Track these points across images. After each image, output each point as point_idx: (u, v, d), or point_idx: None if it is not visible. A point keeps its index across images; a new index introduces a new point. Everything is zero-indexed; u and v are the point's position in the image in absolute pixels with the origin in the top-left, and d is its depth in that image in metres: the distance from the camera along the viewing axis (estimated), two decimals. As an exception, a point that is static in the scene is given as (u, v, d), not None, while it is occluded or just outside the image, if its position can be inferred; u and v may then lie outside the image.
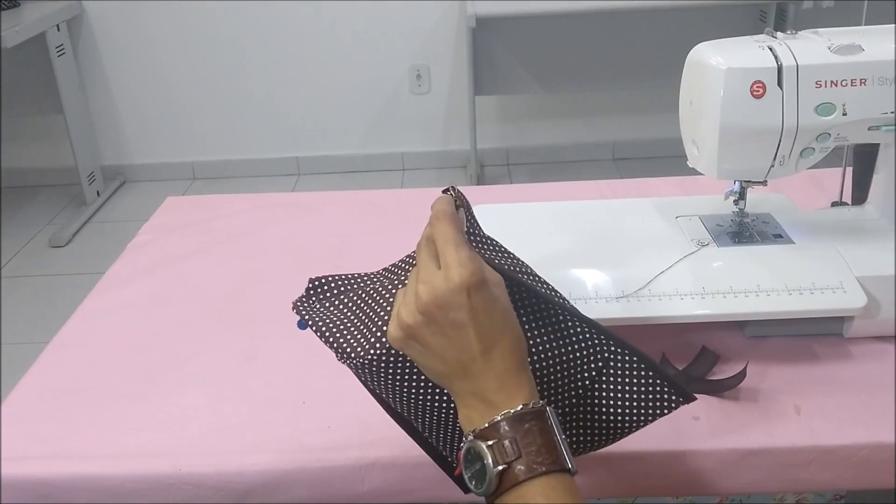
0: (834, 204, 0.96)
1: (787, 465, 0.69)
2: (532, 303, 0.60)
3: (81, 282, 2.45)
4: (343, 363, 0.59)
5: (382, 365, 0.57)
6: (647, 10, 2.81)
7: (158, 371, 0.82)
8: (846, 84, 0.72)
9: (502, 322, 0.53)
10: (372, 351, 0.57)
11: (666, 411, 0.61)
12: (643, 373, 0.60)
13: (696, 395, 0.61)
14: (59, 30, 2.76)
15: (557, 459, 0.49)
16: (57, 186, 3.19)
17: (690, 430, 0.71)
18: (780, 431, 0.70)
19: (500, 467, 0.49)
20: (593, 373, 0.61)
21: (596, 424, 0.63)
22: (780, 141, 0.74)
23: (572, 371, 0.60)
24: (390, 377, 0.58)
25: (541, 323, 0.60)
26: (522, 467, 0.48)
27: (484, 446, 0.50)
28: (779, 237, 0.84)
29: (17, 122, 3.13)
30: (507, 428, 0.50)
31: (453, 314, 0.51)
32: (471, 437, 0.51)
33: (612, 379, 0.61)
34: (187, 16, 2.97)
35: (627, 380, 0.61)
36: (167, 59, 3.05)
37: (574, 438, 0.63)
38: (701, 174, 0.81)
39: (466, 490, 0.66)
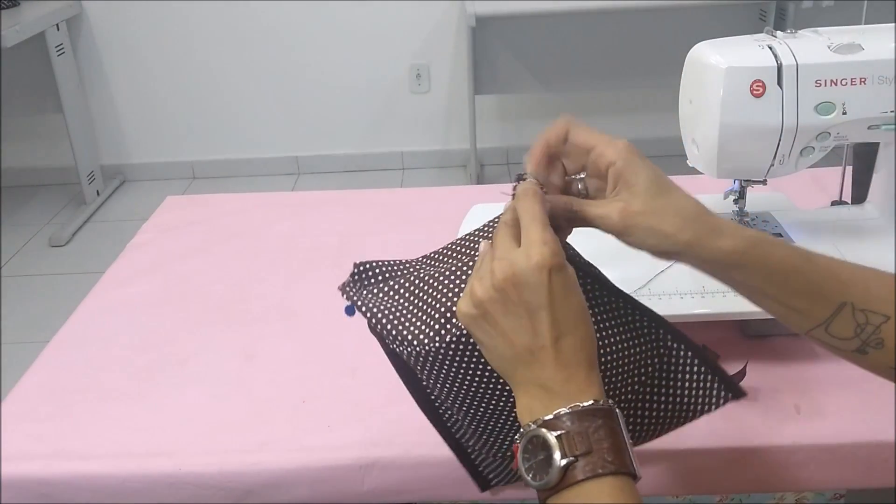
0: (834, 203, 0.96)
1: (787, 464, 0.69)
2: (600, 295, 0.58)
3: (81, 281, 2.45)
4: (399, 350, 0.57)
5: (450, 353, 0.55)
6: (647, 10, 2.81)
7: (158, 370, 0.82)
8: (846, 83, 0.72)
9: (578, 313, 0.50)
10: (438, 339, 0.54)
11: (714, 407, 0.60)
12: (696, 368, 0.59)
13: (745, 392, 0.60)
14: (58, 29, 2.76)
15: (625, 462, 0.47)
16: (57, 186, 3.19)
17: (690, 429, 0.71)
18: (779, 430, 0.70)
19: (568, 460, 0.46)
20: (649, 368, 0.60)
21: (644, 418, 0.61)
22: (779, 140, 0.74)
23: (633, 367, 0.59)
24: (453, 368, 0.56)
25: (608, 316, 0.58)
26: (590, 464, 0.46)
27: (552, 436, 0.47)
28: (779, 236, 0.84)
29: (17, 122, 3.13)
30: (573, 422, 0.47)
31: (529, 294, 0.49)
32: (533, 427, 0.48)
33: (666, 374, 0.60)
34: (187, 15, 2.97)
35: (680, 375, 0.60)
36: (167, 58, 3.05)
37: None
38: (701, 173, 0.81)
39: (485, 487, 0.65)
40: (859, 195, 0.91)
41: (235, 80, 3.09)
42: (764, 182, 0.80)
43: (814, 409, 0.72)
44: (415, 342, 0.55)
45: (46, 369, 0.84)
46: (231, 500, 0.70)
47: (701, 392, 0.60)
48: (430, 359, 0.56)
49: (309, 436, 0.72)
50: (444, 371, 0.56)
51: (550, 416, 0.48)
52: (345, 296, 0.61)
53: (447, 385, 0.57)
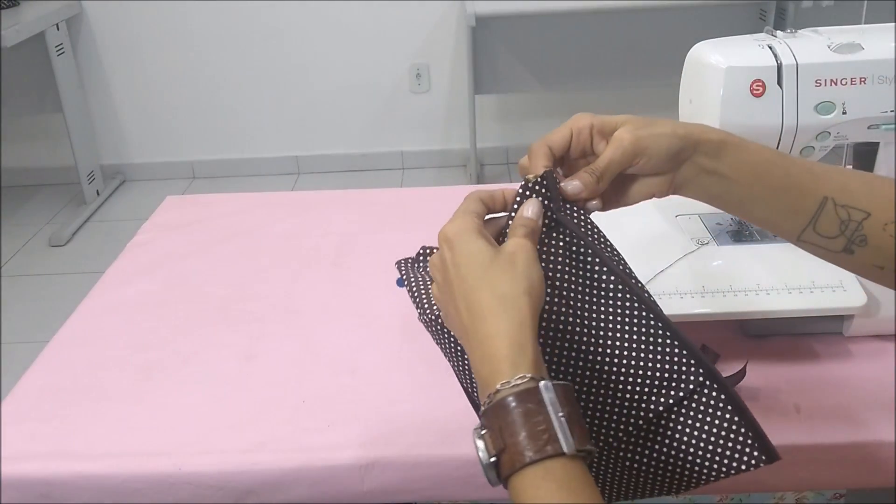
0: (834, 203, 0.96)
1: (787, 464, 0.69)
2: (617, 300, 0.54)
3: (81, 281, 2.45)
4: (419, 320, 0.64)
5: (440, 325, 0.60)
6: (647, 9, 2.81)
7: (158, 370, 0.82)
8: (846, 83, 0.72)
9: (484, 277, 0.50)
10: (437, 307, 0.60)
11: (743, 468, 0.50)
12: (727, 416, 0.50)
13: (779, 456, 0.51)
14: (58, 29, 2.76)
15: (547, 442, 0.44)
16: (56, 185, 3.19)
17: (690, 428, 0.71)
18: (779, 430, 0.70)
19: (492, 459, 0.45)
20: (670, 401, 0.52)
21: (651, 466, 0.53)
22: (779, 140, 0.74)
23: (646, 392, 0.52)
24: (453, 340, 0.59)
25: (625, 328, 0.53)
26: (508, 459, 0.45)
27: (477, 436, 0.47)
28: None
29: (17, 122, 3.13)
30: (492, 415, 0.46)
31: (440, 271, 0.54)
32: (475, 427, 0.48)
33: (688, 413, 0.51)
34: (187, 15, 2.97)
35: (708, 419, 0.51)
36: (167, 57, 3.05)
37: (619, 479, 0.56)
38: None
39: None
40: (859, 195, 0.91)
41: (235, 79, 3.09)
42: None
43: (814, 409, 0.72)
44: (428, 309, 0.62)
45: (46, 369, 0.84)
46: (231, 499, 0.70)
47: (728, 445, 0.50)
48: (435, 327, 0.61)
49: (309, 436, 0.72)
50: (446, 342, 0.61)
51: (483, 409, 0.47)
52: (396, 266, 0.70)
53: (452, 358, 0.61)
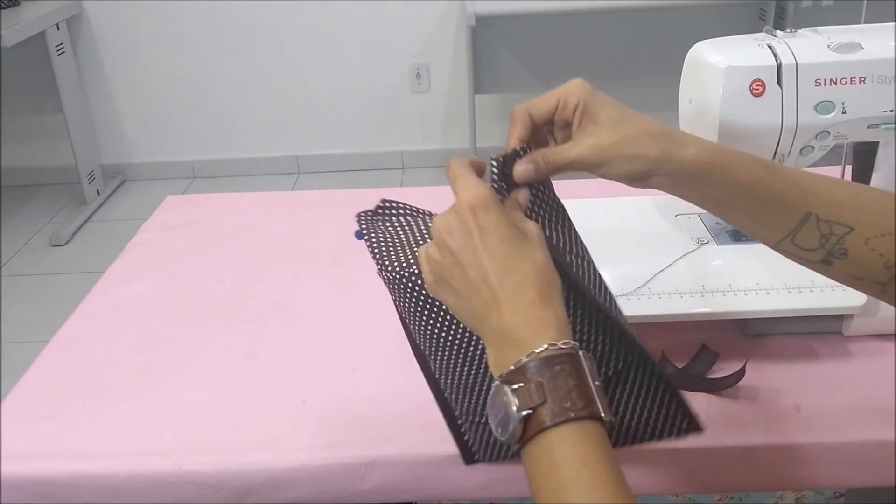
0: (833, 202, 0.96)
1: (787, 463, 0.69)
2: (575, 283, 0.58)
3: (81, 281, 2.45)
4: (379, 275, 0.61)
5: (410, 285, 0.58)
6: (647, 9, 2.81)
7: (158, 370, 0.83)
8: (846, 82, 0.72)
9: (519, 246, 0.51)
10: (407, 267, 0.58)
11: (669, 433, 0.60)
12: (656, 391, 0.60)
13: (703, 428, 0.60)
14: (58, 28, 2.76)
15: (588, 405, 0.46)
16: (57, 185, 3.19)
17: (690, 428, 0.71)
18: (779, 429, 0.70)
19: (525, 412, 0.46)
20: (609, 372, 0.60)
21: None
22: (779, 139, 0.74)
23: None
24: (420, 302, 0.58)
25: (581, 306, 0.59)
26: (548, 413, 0.46)
27: (508, 390, 0.47)
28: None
29: (17, 121, 3.13)
30: (534, 370, 0.47)
31: (463, 239, 0.51)
32: (497, 382, 0.49)
33: (625, 385, 0.60)
34: (187, 15, 2.97)
35: (642, 390, 0.60)
36: (167, 57, 3.05)
37: None
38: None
39: (469, 461, 0.65)
40: (859, 194, 0.91)
41: (235, 79, 3.09)
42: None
43: (814, 408, 0.72)
44: (390, 267, 0.59)
45: (46, 369, 0.84)
46: (231, 499, 0.70)
47: (660, 414, 0.60)
48: (397, 287, 0.59)
49: (309, 435, 0.72)
50: (412, 305, 0.59)
51: (512, 368, 0.48)
52: (357, 219, 0.66)
53: (417, 323, 0.60)
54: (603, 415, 0.46)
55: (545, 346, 0.48)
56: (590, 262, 0.62)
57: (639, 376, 0.60)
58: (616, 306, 0.61)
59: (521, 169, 0.58)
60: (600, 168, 0.57)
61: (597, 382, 0.48)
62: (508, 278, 0.50)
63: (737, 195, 0.57)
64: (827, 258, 0.56)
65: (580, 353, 0.48)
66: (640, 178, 0.57)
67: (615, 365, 0.60)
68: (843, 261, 0.56)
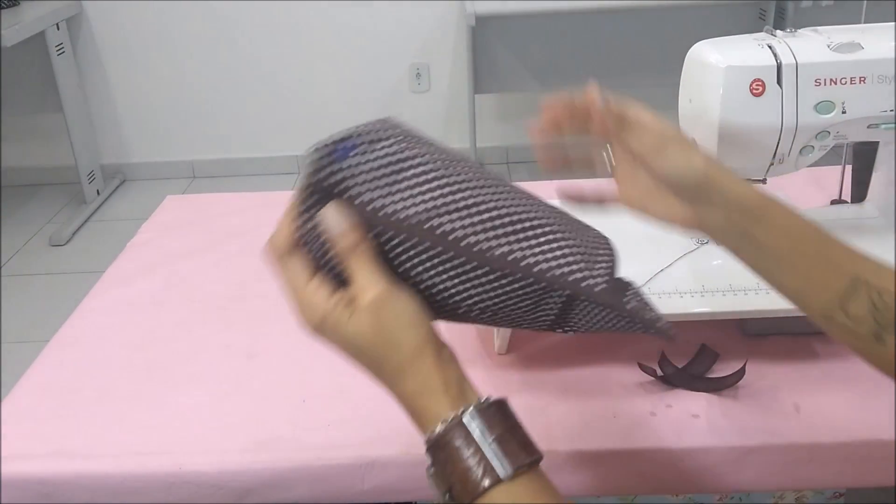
0: (833, 202, 0.96)
1: (787, 463, 0.69)
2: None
3: (81, 280, 2.45)
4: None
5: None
6: (647, 9, 2.81)
7: (158, 369, 0.83)
8: (845, 82, 0.72)
9: (368, 349, 0.49)
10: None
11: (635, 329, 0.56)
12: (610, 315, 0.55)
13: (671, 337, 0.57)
14: (58, 28, 2.76)
15: (482, 478, 0.45)
16: (57, 185, 3.19)
17: (690, 427, 0.71)
18: (779, 429, 0.70)
19: (446, 496, 0.46)
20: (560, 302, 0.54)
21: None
22: (779, 139, 0.74)
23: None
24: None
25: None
26: (458, 493, 0.46)
27: (427, 475, 0.48)
28: (778, 235, 0.84)
29: (17, 121, 3.13)
30: (431, 458, 0.48)
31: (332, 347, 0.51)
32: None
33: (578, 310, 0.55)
34: (187, 14, 2.97)
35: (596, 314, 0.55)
36: (167, 57, 3.05)
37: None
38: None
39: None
40: (859, 194, 0.91)
41: (235, 79, 3.09)
42: (763, 181, 0.80)
43: (814, 408, 0.72)
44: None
45: (46, 369, 0.84)
46: (231, 499, 0.70)
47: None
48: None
49: (309, 435, 0.72)
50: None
51: (426, 450, 0.48)
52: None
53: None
54: (501, 475, 0.45)
55: (431, 430, 0.47)
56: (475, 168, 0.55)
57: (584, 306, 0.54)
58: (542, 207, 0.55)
59: (592, 94, 0.57)
60: (658, 154, 0.55)
61: (491, 440, 0.46)
62: (381, 375, 0.50)
63: (790, 245, 0.54)
64: (878, 332, 0.52)
65: (464, 418, 0.46)
66: (686, 188, 0.55)
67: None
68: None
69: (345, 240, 0.49)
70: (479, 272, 0.51)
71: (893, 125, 0.74)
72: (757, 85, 0.72)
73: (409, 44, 3.03)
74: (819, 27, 0.77)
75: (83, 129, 2.97)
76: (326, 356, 0.85)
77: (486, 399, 0.48)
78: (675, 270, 0.79)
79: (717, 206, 0.55)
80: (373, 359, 0.50)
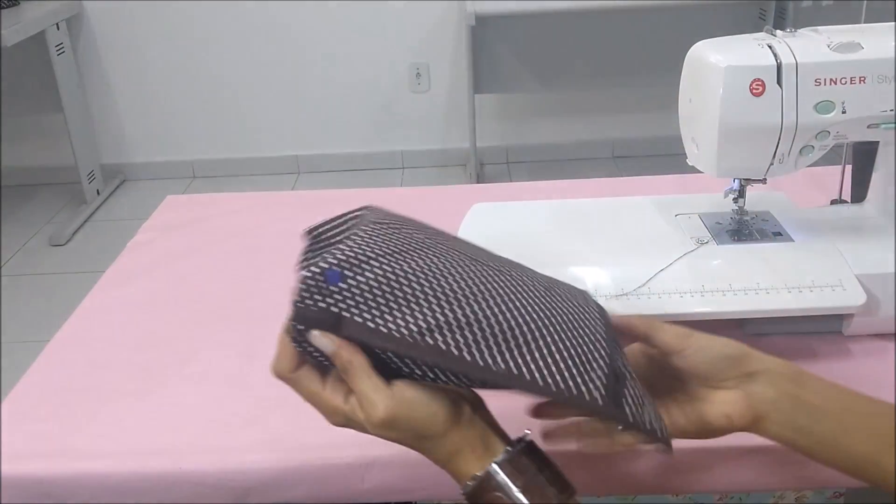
0: (833, 202, 0.96)
1: (787, 463, 0.69)
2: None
3: (81, 280, 2.45)
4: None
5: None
6: (647, 9, 2.81)
7: (159, 369, 0.83)
8: (845, 82, 0.72)
9: (396, 440, 0.54)
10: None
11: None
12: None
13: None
14: (58, 28, 2.76)
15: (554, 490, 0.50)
16: (57, 185, 3.19)
17: (690, 427, 0.71)
18: (779, 429, 0.70)
19: None
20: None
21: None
22: (779, 139, 0.74)
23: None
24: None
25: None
26: None
27: None
28: (778, 235, 0.84)
29: (17, 121, 3.13)
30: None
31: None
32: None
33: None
34: (187, 14, 2.97)
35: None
36: (167, 57, 3.05)
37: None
38: (700, 172, 0.81)
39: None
40: (859, 194, 0.91)
41: (235, 79, 3.09)
42: (763, 181, 0.80)
43: (813, 407, 0.72)
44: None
45: (46, 369, 0.84)
46: (231, 499, 0.70)
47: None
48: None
49: (309, 435, 0.72)
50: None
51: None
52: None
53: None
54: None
55: (464, 485, 0.52)
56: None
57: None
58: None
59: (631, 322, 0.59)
60: (686, 345, 0.57)
61: (516, 489, 0.50)
62: (412, 447, 0.54)
63: (842, 404, 0.53)
64: None
65: (490, 469, 0.50)
66: (733, 369, 0.56)
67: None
68: None
69: (338, 359, 0.51)
70: (479, 382, 0.53)
71: (893, 125, 0.74)
72: (757, 85, 0.72)
73: (409, 43, 3.03)
74: (819, 27, 0.77)
75: (83, 128, 2.97)
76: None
77: (512, 449, 0.51)
78: (675, 271, 0.79)
79: (762, 379, 0.55)
80: (402, 443, 0.54)
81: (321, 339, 0.52)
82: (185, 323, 0.90)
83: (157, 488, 0.70)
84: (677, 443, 0.69)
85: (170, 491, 0.70)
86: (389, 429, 0.51)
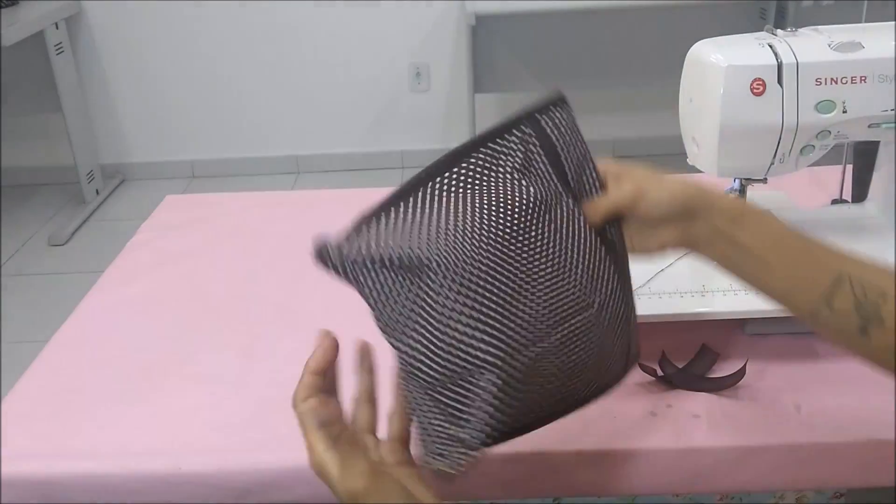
0: (834, 201, 0.96)
1: (787, 463, 0.69)
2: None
3: (81, 280, 2.44)
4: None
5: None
6: (647, 9, 2.81)
7: (158, 369, 0.82)
8: (846, 81, 0.72)
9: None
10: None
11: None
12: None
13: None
14: (57, 28, 2.76)
15: None
16: (56, 185, 3.19)
17: (690, 427, 0.71)
18: (779, 429, 0.70)
19: None
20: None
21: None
22: (780, 138, 0.74)
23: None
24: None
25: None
26: None
27: None
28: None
29: (16, 121, 3.13)
30: None
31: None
32: None
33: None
34: (186, 14, 2.96)
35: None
36: (166, 57, 3.05)
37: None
38: (701, 172, 0.81)
39: None
40: (859, 194, 0.91)
41: (235, 78, 3.09)
42: (764, 181, 0.80)
43: (814, 408, 0.72)
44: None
45: (46, 369, 0.84)
46: (231, 499, 0.70)
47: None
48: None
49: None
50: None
51: None
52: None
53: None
54: None
55: None
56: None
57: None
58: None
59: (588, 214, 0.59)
60: (641, 200, 0.58)
61: None
62: None
63: (773, 245, 0.56)
64: (863, 325, 0.54)
65: None
66: (682, 211, 0.57)
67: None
68: (881, 330, 0.53)
69: (321, 436, 0.54)
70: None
71: (894, 124, 0.74)
72: (757, 84, 0.72)
73: (408, 43, 3.02)
74: (820, 26, 0.77)
75: (82, 128, 2.96)
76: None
77: None
78: (675, 270, 0.79)
79: (701, 220, 0.57)
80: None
81: (309, 414, 0.56)
82: (184, 323, 0.90)
83: (157, 488, 0.70)
84: (677, 443, 0.69)
85: (170, 491, 0.70)
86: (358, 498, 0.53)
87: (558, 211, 0.57)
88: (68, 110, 2.83)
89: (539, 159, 0.59)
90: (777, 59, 0.72)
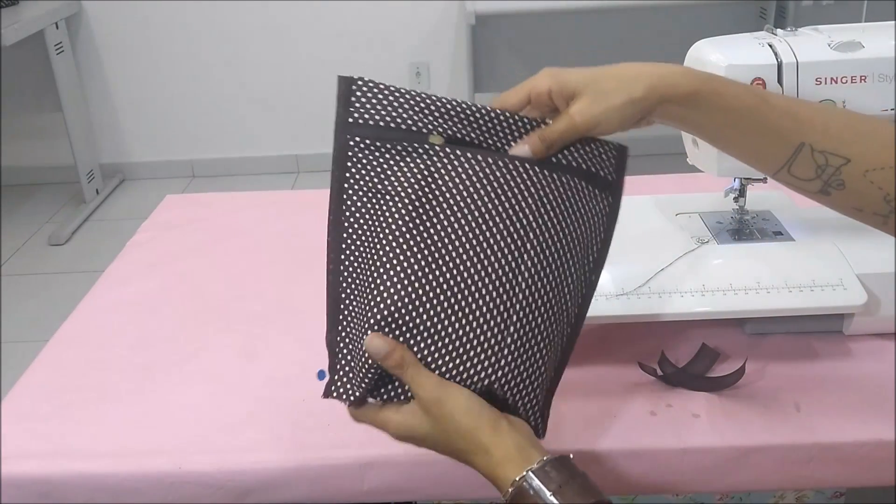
0: (834, 201, 0.96)
1: (787, 463, 0.69)
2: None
3: (81, 280, 2.45)
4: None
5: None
6: (647, 8, 2.81)
7: (158, 369, 0.82)
8: (846, 81, 0.72)
9: (434, 440, 0.57)
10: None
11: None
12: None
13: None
14: (57, 27, 2.76)
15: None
16: (56, 184, 3.19)
17: (690, 427, 0.71)
18: (779, 429, 0.70)
19: None
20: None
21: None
22: (779, 138, 0.74)
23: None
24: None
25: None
26: None
27: None
28: (779, 234, 0.84)
29: (16, 120, 3.13)
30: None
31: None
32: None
33: None
34: (186, 13, 2.97)
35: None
36: (166, 56, 3.05)
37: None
38: (701, 171, 0.81)
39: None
40: (859, 193, 0.90)
41: (235, 78, 3.09)
42: (764, 180, 0.80)
43: (814, 407, 0.72)
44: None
45: (46, 369, 0.84)
46: (231, 499, 0.70)
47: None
48: None
49: (309, 434, 0.72)
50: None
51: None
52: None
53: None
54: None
55: (504, 494, 0.53)
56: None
57: None
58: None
59: (518, 151, 0.61)
60: (595, 129, 0.59)
61: (550, 494, 0.51)
62: (451, 455, 0.57)
63: (727, 124, 0.57)
64: (824, 188, 0.57)
65: (527, 475, 0.52)
66: (635, 122, 0.59)
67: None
68: (841, 192, 0.56)
69: (390, 360, 0.57)
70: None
71: (894, 124, 0.74)
72: (758, 83, 0.72)
73: (408, 42, 3.03)
74: (820, 26, 0.77)
75: (82, 128, 2.96)
76: (326, 356, 0.85)
77: (547, 459, 0.53)
78: (675, 270, 0.79)
79: (656, 114, 0.59)
80: (443, 447, 0.57)
81: (375, 341, 0.57)
82: (184, 322, 0.90)
83: (157, 488, 0.70)
84: (677, 443, 0.69)
85: (170, 491, 0.70)
86: (435, 408, 0.55)
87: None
88: (68, 110, 2.83)
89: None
90: (777, 59, 0.72)
